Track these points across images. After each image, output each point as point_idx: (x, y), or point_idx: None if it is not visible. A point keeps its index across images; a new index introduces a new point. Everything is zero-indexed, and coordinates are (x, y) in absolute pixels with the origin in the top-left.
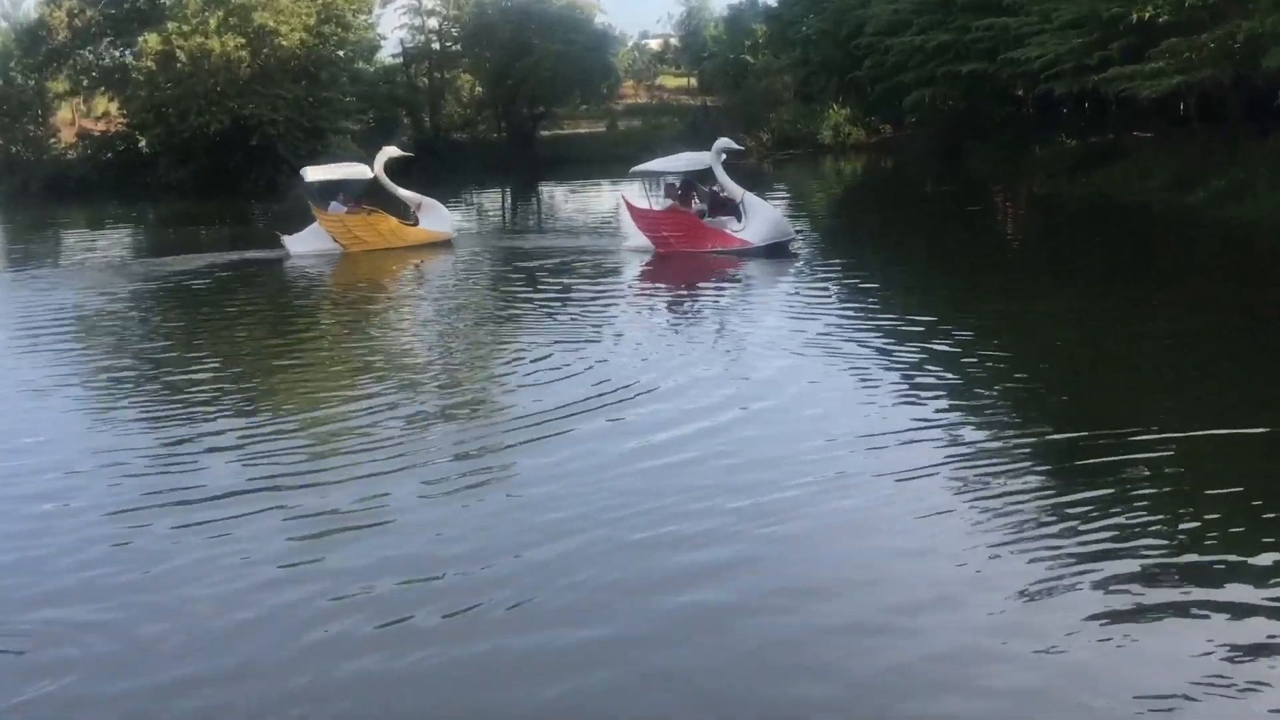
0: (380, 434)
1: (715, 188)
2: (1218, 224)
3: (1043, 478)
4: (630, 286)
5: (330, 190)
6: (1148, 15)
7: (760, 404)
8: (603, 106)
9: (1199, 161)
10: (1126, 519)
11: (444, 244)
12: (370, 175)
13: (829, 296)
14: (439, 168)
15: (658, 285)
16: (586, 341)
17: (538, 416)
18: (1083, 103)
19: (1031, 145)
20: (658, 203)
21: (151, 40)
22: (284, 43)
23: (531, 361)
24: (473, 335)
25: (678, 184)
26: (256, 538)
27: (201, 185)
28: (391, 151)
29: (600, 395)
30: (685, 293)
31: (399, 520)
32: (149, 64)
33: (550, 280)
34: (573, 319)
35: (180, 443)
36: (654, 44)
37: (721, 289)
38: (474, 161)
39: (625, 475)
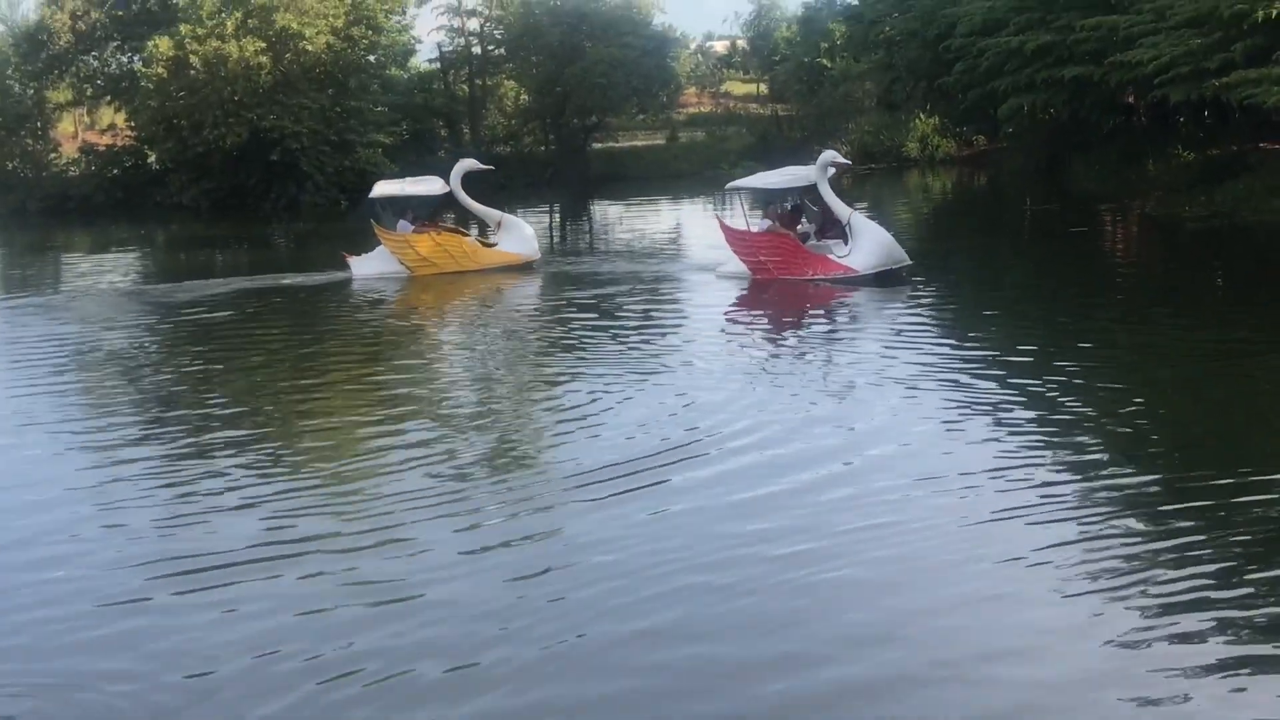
0: (418, 490)
1: (821, 206)
2: None
3: (1146, 522)
4: (704, 318)
5: (399, 207)
6: (1275, 13)
7: (849, 445)
8: (662, 116)
9: None
10: (1228, 565)
11: (526, 267)
12: (442, 190)
13: (923, 328)
14: (481, 184)
15: (737, 317)
16: (658, 381)
17: (605, 470)
18: (1202, 111)
19: (1144, 159)
20: (755, 223)
21: (162, 44)
22: (309, 47)
23: (598, 406)
24: (533, 374)
25: (788, 204)
26: (273, 610)
27: (216, 205)
28: (469, 164)
29: (672, 446)
30: (767, 325)
31: (432, 593)
32: (159, 71)
33: (618, 310)
34: (644, 355)
35: (192, 498)
36: (719, 46)
37: (809, 321)
38: (519, 177)
39: (702, 536)
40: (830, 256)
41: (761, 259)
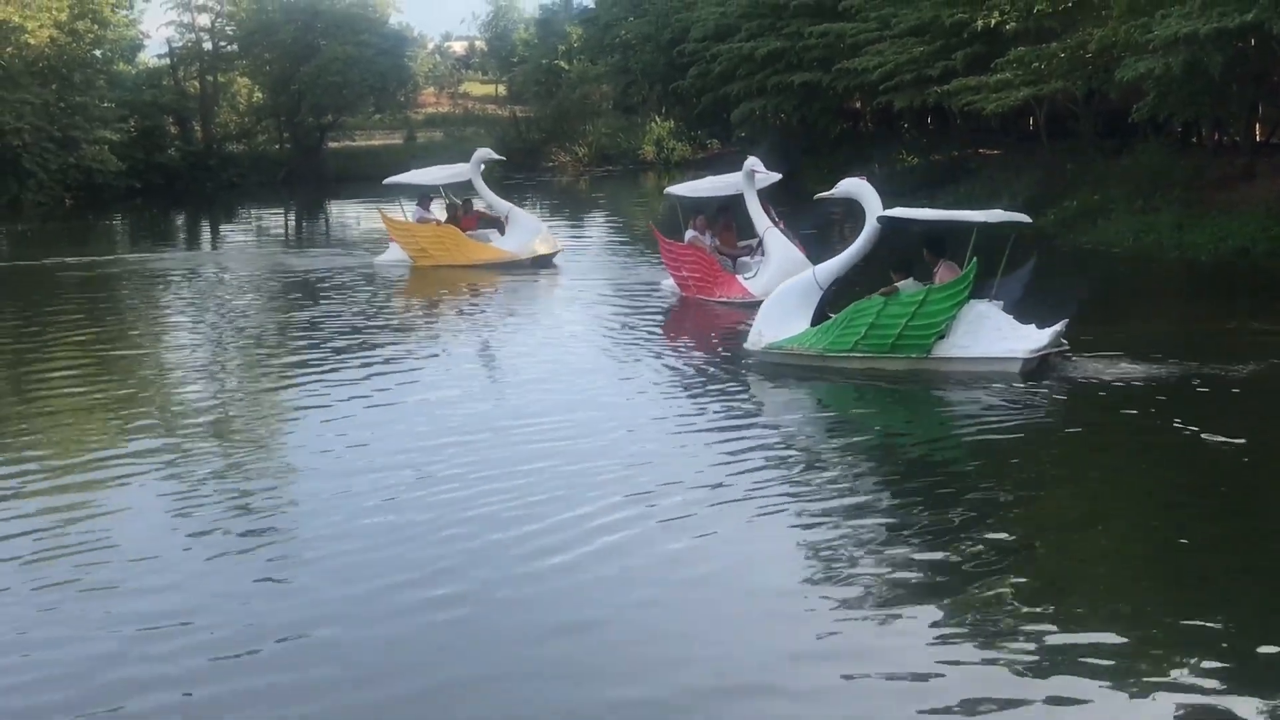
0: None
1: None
2: (1070, 248)
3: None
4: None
5: (427, 195)
6: (994, 22)
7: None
8: (400, 116)
9: (1050, 181)
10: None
11: (543, 262)
12: (447, 180)
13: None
14: (212, 184)
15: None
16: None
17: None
18: (925, 118)
19: (870, 163)
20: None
21: None
22: (31, 40)
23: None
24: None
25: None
26: None
27: None
28: (487, 154)
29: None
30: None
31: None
32: None
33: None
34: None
35: None
36: (458, 47)
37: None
38: (252, 176)
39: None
40: (739, 278)
41: (684, 274)
